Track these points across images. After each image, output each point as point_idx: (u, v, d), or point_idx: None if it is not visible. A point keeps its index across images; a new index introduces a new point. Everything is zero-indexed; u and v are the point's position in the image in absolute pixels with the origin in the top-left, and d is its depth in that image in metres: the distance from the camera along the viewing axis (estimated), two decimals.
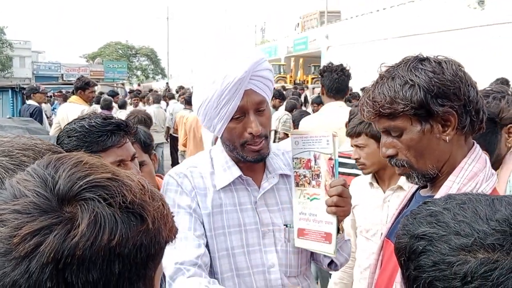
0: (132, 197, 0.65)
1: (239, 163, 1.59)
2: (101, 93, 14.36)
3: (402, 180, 2.44)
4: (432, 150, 1.33)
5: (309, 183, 1.53)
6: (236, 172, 1.58)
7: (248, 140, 1.50)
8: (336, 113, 3.50)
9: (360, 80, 13.74)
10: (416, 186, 1.50)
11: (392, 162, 1.39)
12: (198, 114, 1.56)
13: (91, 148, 1.68)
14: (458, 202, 0.79)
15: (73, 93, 6.68)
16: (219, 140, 1.64)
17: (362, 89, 8.98)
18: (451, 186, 1.31)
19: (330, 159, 1.46)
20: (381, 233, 2.43)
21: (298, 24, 42.64)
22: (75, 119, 1.82)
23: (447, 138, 1.30)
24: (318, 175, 1.50)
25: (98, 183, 0.65)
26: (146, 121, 5.24)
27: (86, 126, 1.71)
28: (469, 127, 1.31)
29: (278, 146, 1.75)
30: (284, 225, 1.60)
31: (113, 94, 12.36)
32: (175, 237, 0.75)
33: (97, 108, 9.30)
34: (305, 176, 1.53)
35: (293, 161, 1.57)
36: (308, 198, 1.53)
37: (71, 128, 1.74)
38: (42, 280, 0.58)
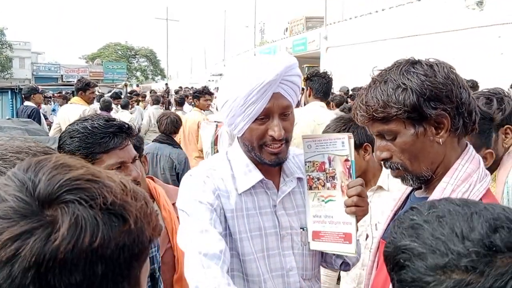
0: (113, 198, 0.65)
1: (258, 165, 1.58)
2: (102, 94, 14.25)
3: (381, 180, 2.49)
4: (426, 153, 1.33)
5: (323, 186, 1.54)
6: (258, 175, 1.57)
7: (268, 142, 1.50)
8: (318, 111, 4.05)
9: (359, 81, 13.73)
10: (411, 188, 1.51)
11: (387, 165, 1.40)
12: (222, 111, 1.56)
13: (93, 149, 1.69)
14: (439, 214, 0.79)
15: (73, 94, 6.71)
16: (235, 142, 1.64)
17: (354, 90, 8.92)
18: (445, 187, 1.31)
19: (346, 160, 1.48)
20: (366, 234, 2.44)
21: (286, 28, 43.98)
22: (77, 120, 1.83)
23: (440, 140, 1.31)
24: (333, 177, 1.51)
25: (78, 185, 0.65)
26: (178, 122, 5.35)
27: (89, 128, 1.72)
28: (462, 128, 1.31)
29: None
30: (300, 228, 1.61)
31: (116, 96, 12.27)
32: (159, 235, 0.75)
33: (97, 108, 9.31)
34: (319, 179, 1.54)
35: (306, 164, 1.58)
36: (323, 200, 1.54)
37: (74, 129, 1.75)
38: (25, 284, 0.58)
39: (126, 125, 1.80)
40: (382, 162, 1.42)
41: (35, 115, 7.17)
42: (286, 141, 1.54)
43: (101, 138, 1.71)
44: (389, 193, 2.48)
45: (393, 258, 0.80)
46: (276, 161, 1.54)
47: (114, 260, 0.64)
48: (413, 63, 1.32)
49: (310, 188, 1.58)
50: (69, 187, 0.64)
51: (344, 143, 1.48)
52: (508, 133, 2.17)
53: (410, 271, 0.76)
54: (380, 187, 2.48)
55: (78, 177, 0.66)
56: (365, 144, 2.51)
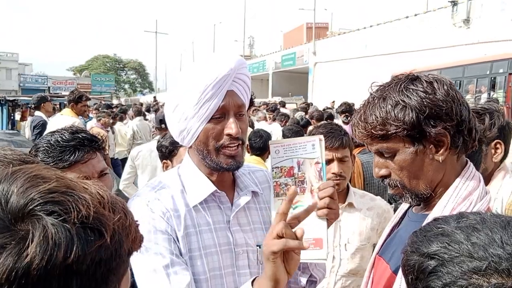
0: (88, 211, 0.63)
1: (211, 176, 1.49)
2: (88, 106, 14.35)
3: (351, 197, 2.44)
4: (426, 171, 1.31)
5: None
6: (210, 187, 1.47)
7: (225, 143, 1.42)
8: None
9: (346, 96, 13.86)
10: (408, 204, 1.49)
11: (385, 183, 1.38)
12: (172, 119, 1.46)
13: (56, 164, 1.66)
14: (472, 222, 0.77)
15: (60, 106, 6.64)
16: (186, 156, 1.55)
17: (342, 105, 8.91)
18: (445, 205, 1.29)
19: (317, 163, 1.42)
20: (333, 256, 2.37)
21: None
22: (47, 133, 1.80)
23: (440, 158, 1.29)
24: (302, 181, 1.44)
25: (52, 198, 0.62)
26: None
27: (51, 142, 1.69)
28: (462, 146, 1.30)
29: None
30: (257, 245, 1.52)
31: (108, 107, 12.36)
32: (140, 246, 0.73)
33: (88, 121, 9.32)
34: (286, 185, 1.46)
35: (273, 170, 1.49)
36: (291, 206, 1.46)
37: (40, 142, 1.73)
38: None
39: (90, 138, 1.75)
40: (380, 179, 1.40)
41: (39, 127, 6.88)
42: (242, 142, 1.47)
43: (61, 152, 1.67)
44: (359, 212, 2.43)
45: (419, 266, 0.77)
46: (234, 164, 1.45)
47: (90, 276, 0.62)
48: (413, 79, 1.30)
49: (277, 195, 1.48)
50: (42, 200, 0.62)
51: (314, 145, 1.42)
52: (498, 148, 2.19)
53: (442, 276, 0.73)
54: (351, 204, 2.43)
55: (52, 190, 0.63)
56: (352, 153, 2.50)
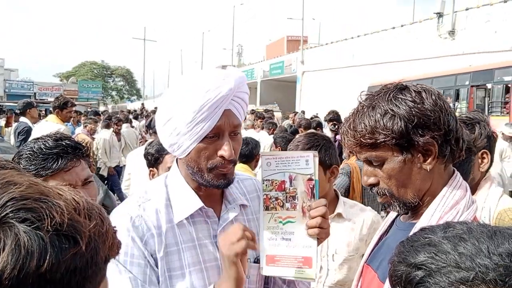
0: (62, 218, 0.62)
1: (199, 190, 1.45)
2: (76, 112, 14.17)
3: (340, 207, 2.42)
4: (413, 179, 1.33)
5: (281, 206, 1.44)
6: (197, 203, 1.42)
7: (217, 164, 1.37)
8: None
9: (334, 104, 13.96)
10: (396, 213, 1.50)
11: (374, 191, 1.39)
12: (163, 130, 1.40)
13: (38, 171, 1.62)
14: (458, 232, 0.77)
15: (45, 112, 6.54)
16: (174, 165, 1.51)
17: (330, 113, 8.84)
18: (432, 213, 1.30)
19: (310, 179, 1.40)
20: (321, 266, 2.36)
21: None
22: (31, 140, 1.77)
23: (428, 167, 1.30)
24: (293, 197, 1.42)
25: (24, 205, 0.61)
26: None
27: (34, 149, 1.66)
28: (450, 155, 1.31)
29: None
30: None
31: (96, 114, 12.16)
32: (117, 253, 0.72)
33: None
34: (277, 199, 1.44)
35: (263, 183, 1.47)
36: (281, 221, 1.44)
37: (23, 149, 1.70)
38: None
39: (74, 146, 1.72)
40: (369, 188, 1.41)
41: (24, 133, 6.72)
42: (234, 162, 1.43)
43: (43, 160, 1.64)
44: (348, 222, 2.42)
45: (406, 277, 0.77)
46: (224, 182, 1.41)
47: (65, 285, 0.60)
48: (402, 89, 1.32)
49: (267, 208, 1.46)
50: (15, 207, 0.60)
51: (308, 161, 1.40)
52: (484, 158, 2.21)
53: (429, 287, 0.73)
54: (339, 215, 2.41)
55: (24, 197, 0.62)
56: (334, 166, 2.44)
